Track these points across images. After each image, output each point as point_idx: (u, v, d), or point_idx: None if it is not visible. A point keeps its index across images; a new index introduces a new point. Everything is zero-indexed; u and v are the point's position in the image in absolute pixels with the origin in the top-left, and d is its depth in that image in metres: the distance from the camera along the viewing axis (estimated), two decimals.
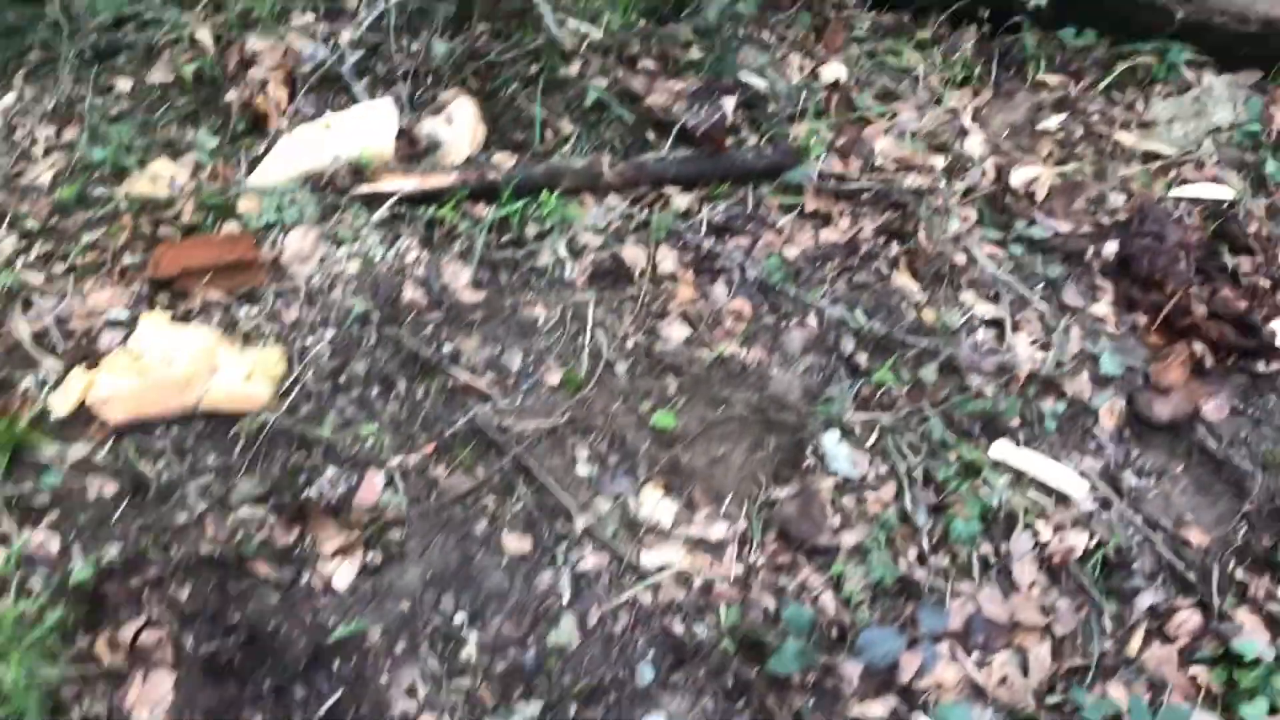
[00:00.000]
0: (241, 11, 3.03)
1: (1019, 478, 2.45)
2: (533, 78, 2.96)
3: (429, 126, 2.86)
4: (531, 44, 2.97)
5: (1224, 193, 3.23)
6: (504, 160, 2.84)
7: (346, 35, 3.07)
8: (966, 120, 3.29)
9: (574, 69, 2.98)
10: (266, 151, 2.75)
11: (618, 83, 3.02)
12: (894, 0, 3.57)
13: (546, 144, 2.89)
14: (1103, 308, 2.85)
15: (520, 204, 2.69)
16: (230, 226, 2.55)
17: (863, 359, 2.58)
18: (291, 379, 2.32)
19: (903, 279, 2.78)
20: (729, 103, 2.93)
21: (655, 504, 2.26)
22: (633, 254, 2.67)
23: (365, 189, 2.61)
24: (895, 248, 2.85)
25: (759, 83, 3.14)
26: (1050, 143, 3.28)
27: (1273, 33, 3.35)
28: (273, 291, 2.47)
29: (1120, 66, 3.44)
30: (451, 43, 3.00)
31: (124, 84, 2.86)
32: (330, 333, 2.41)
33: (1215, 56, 3.44)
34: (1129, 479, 2.51)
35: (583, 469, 2.30)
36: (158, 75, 2.88)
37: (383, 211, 2.62)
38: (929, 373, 2.58)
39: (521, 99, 2.93)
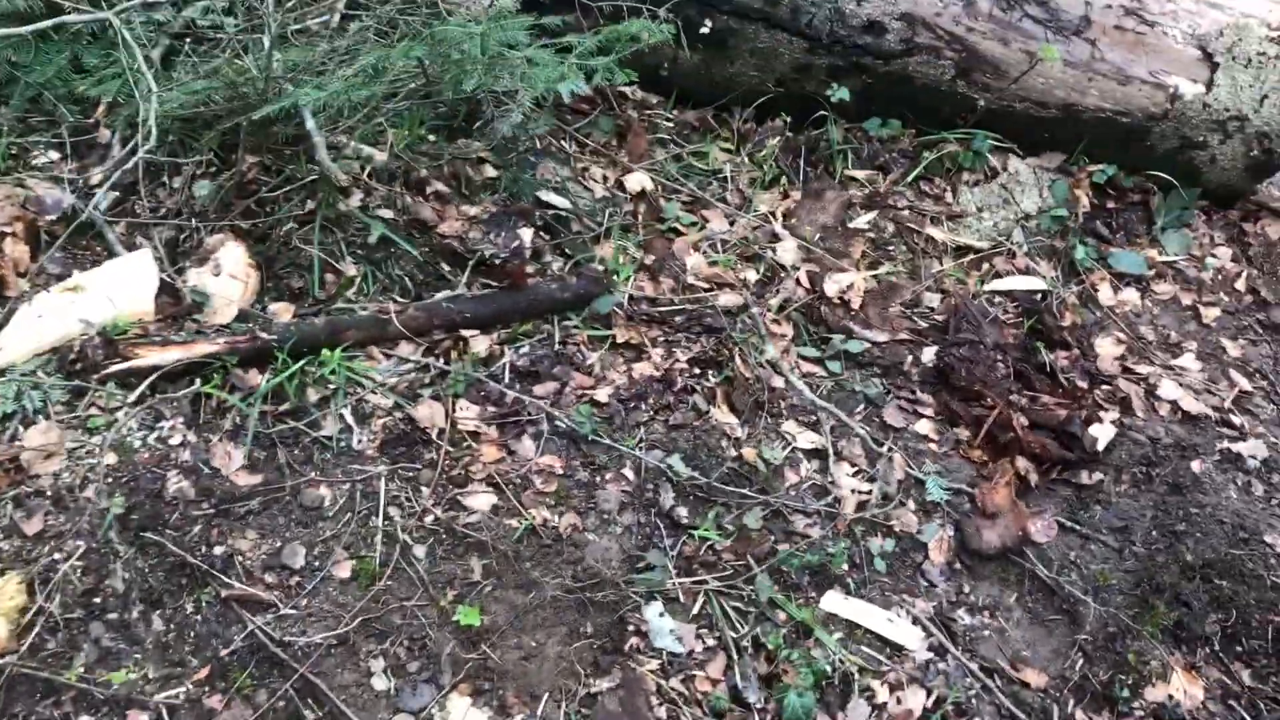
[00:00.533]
0: None
1: (852, 630, 2.33)
2: (309, 215, 2.71)
3: (194, 278, 2.58)
4: (305, 177, 2.72)
5: (1036, 284, 3.22)
6: (281, 311, 2.59)
7: (98, 174, 2.77)
8: (777, 225, 3.18)
9: (354, 201, 2.74)
10: (3, 324, 2.43)
11: (406, 211, 2.80)
12: (696, 96, 3.44)
13: (328, 289, 2.64)
14: (925, 425, 2.77)
15: (299, 365, 2.44)
16: None
17: (683, 512, 2.42)
18: (34, 610, 2.02)
19: (721, 414, 2.64)
20: (526, 232, 2.74)
21: (463, 715, 2.04)
22: (428, 413, 2.45)
23: (119, 367, 2.32)
24: (712, 378, 2.70)
25: (560, 201, 2.97)
26: (862, 243, 3.20)
27: (1070, 116, 3.34)
28: (12, 499, 2.15)
29: (927, 157, 3.39)
30: (217, 179, 2.72)
31: None
32: (81, 544, 2.12)
33: (1018, 142, 3.43)
34: (963, 618, 2.42)
35: (380, 682, 2.07)
36: None
37: (142, 388, 2.33)
38: (753, 520, 2.44)
39: (298, 239, 2.67)
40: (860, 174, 3.37)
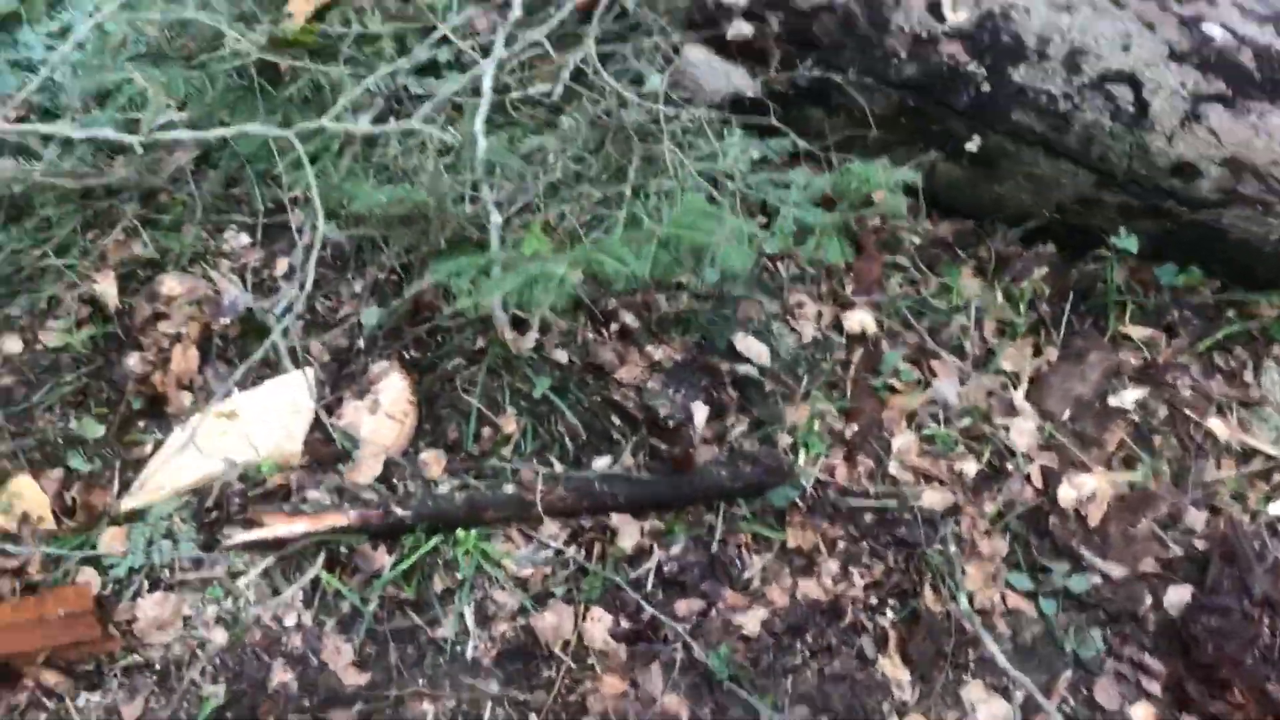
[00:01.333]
0: (158, 246, 2.62)
1: None
2: (479, 353, 2.49)
3: (350, 413, 2.44)
4: (476, 311, 2.50)
5: None
6: (432, 463, 2.41)
7: (285, 265, 2.66)
8: (1018, 394, 2.68)
9: (529, 342, 2.50)
10: (154, 450, 2.38)
11: (586, 352, 2.54)
12: (957, 204, 2.93)
13: (483, 444, 2.44)
14: (1144, 711, 2.29)
15: (431, 544, 2.27)
16: (86, 575, 2.20)
17: None
18: None
19: (891, 665, 2.27)
20: (701, 410, 2.41)
21: None
22: (553, 622, 2.23)
23: (243, 538, 2.22)
24: (890, 613, 2.33)
25: (756, 350, 2.60)
26: (1121, 429, 2.66)
27: None
28: (119, 671, 2.12)
29: (1230, 322, 2.76)
30: (387, 305, 2.54)
31: (12, 344, 2.49)
32: None
33: None
34: None
35: None
36: (51, 336, 2.51)
37: (267, 563, 2.23)
38: None
39: (462, 381, 2.47)
40: (1138, 332, 2.79)
